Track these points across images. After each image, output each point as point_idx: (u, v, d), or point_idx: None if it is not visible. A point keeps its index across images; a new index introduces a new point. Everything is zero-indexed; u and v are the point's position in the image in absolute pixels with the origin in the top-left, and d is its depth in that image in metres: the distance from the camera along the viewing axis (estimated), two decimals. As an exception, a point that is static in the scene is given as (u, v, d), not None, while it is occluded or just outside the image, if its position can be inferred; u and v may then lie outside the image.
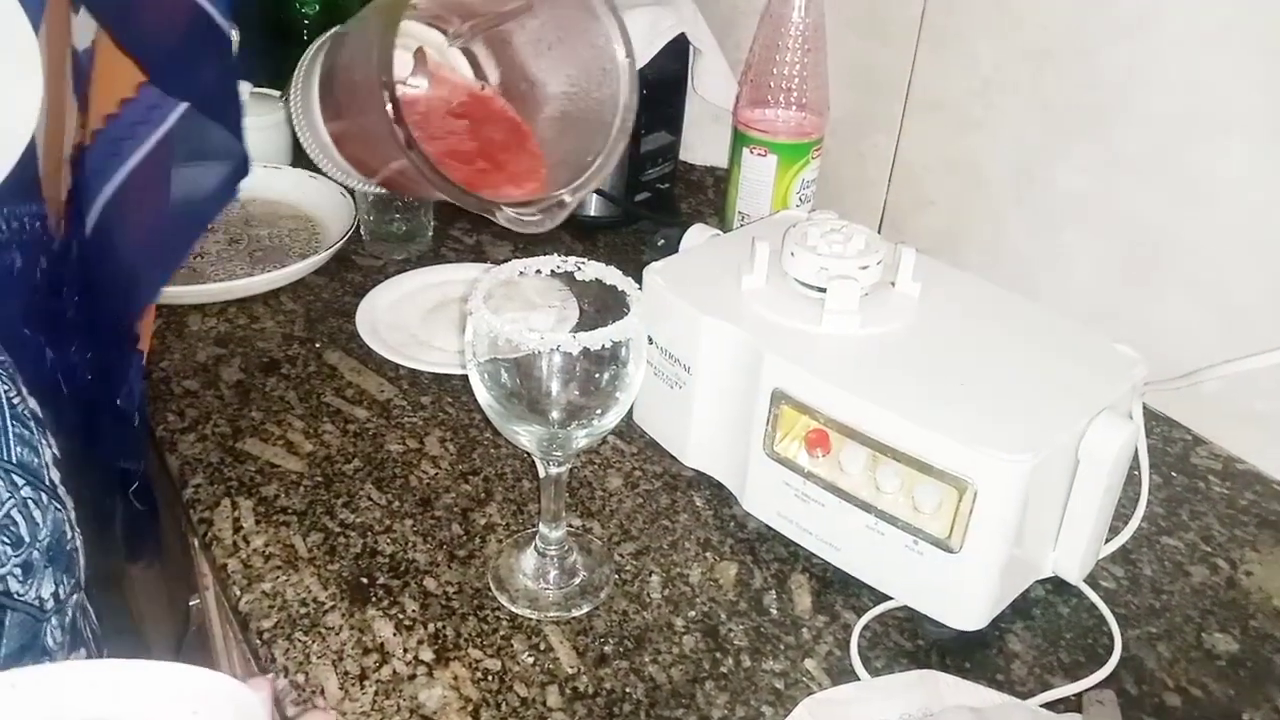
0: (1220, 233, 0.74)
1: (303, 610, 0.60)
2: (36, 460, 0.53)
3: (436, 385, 0.79)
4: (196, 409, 0.75)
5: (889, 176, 0.96)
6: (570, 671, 0.57)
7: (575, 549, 0.64)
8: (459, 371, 0.79)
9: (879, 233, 0.92)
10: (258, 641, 0.58)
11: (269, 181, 1.01)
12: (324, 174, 0.84)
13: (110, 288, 0.70)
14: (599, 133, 0.73)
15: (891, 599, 0.62)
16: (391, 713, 0.54)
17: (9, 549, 0.50)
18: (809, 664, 0.58)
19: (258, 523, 0.66)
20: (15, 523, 0.51)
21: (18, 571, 0.51)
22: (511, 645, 0.58)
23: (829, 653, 0.59)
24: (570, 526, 0.66)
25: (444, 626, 0.59)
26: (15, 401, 0.53)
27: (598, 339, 0.50)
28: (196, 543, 0.70)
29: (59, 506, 0.55)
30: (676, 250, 0.75)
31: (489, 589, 0.62)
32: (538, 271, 0.56)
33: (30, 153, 0.61)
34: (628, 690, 0.56)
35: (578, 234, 1.01)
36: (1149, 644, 0.61)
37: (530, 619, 0.60)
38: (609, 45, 0.73)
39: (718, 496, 0.69)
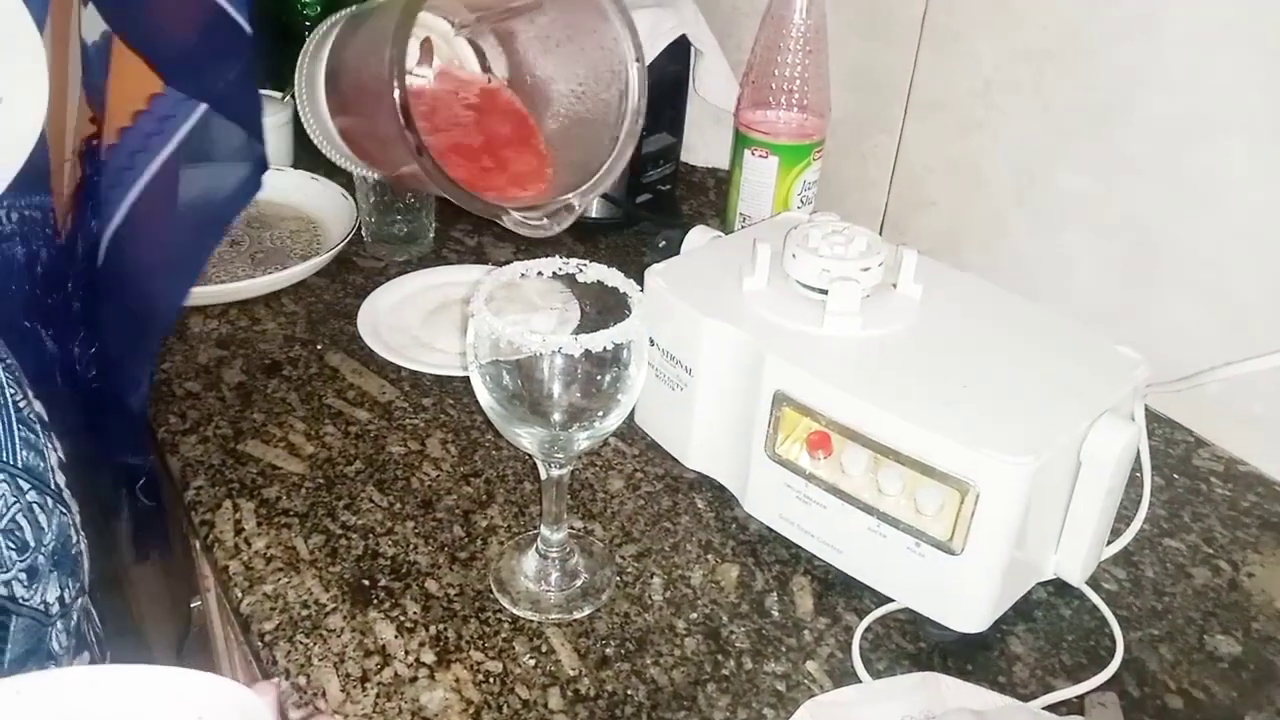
0: (1222, 234, 0.74)
1: (304, 612, 0.60)
2: (42, 464, 0.53)
3: (438, 387, 0.79)
4: (198, 411, 0.75)
5: (890, 177, 0.96)
6: (572, 673, 0.57)
7: (577, 551, 0.64)
8: (460, 373, 0.79)
9: (880, 233, 0.92)
10: (259, 643, 0.58)
11: (270, 183, 0.99)
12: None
13: (136, 295, 0.70)
14: (606, 136, 0.73)
15: (893, 601, 0.62)
16: (393, 715, 0.54)
17: (14, 554, 0.50)
18: (811, 666, 0.58)
19: (259, 525, 0.66)
20: (20, 527, 0.51)
21: (23, 576, 0.51)
22: (513, 647, 0.58)
23: (831, 655, 0.59)
24: (572, 528, 0.66)
25: (445, 629, 0.59)
26: (21, 404, 0.53)
27: (599, 341, 0.50)
28: (198, 545, 0.70)
29: (64, 510, 0.55)
30: (678, 252, 0.75)
31: (490, 591, 0.62)
32: (539, 273, 0.56)
33: (41, 143, 0.61)
34: (629, 692, 0.56)
35: (579, 236, 1.00)
36: (1151, 646, 0.61)
37: (532, 621, 0.60)
38: (619, 47, 0.72)
39: (719, 498, 0.69)
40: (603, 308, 0.56)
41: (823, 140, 0.90)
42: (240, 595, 0.61)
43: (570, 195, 0.71)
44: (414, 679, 0.56)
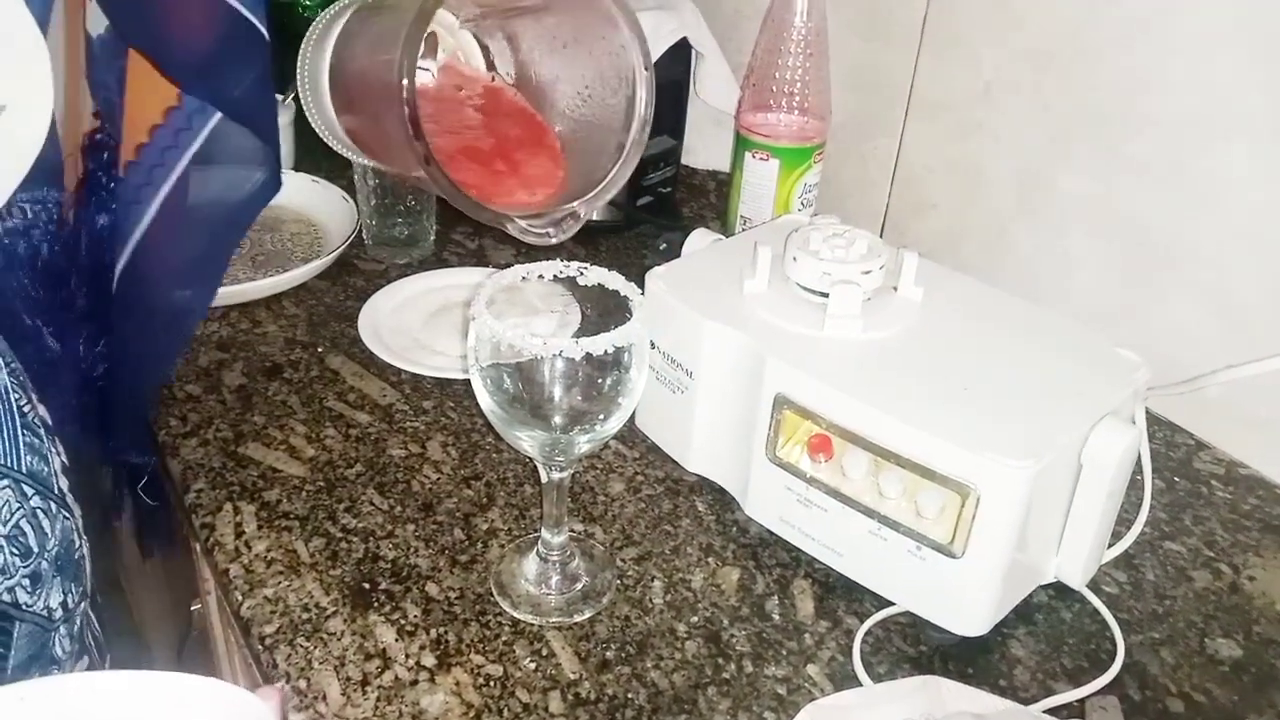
0: (1223, 236, 0.74)
1: (304, 615, 0.60)
2: (46, 469, 0.53)
3: (438, 390, 0.79)
4: (199, 414, 0.75)
5: (891, 180, 0.96)
6: (572, 677, 0.57)
7: (577, 554, 0.64)
8: (461, 376, 0.79)
9: (881, 236, 0.92)
10: (259, 647, 0.58)
11: (271, 185, 1.01)
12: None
13: (161, 303, 0.71)
14: (611, 142, 0.72)
15: (894, 604, 0.62)
16: (394, 718, 0.54)
17: (17, 559, 0.50)
18: (811, 669, 0.58)
19: (259, 528, 0.66)
20: (24, 533, 0.51)
21: (26, 582, 0.50)
22: (513, 651, 0.58)
23: (831, 658, 0.59)
24: (572, 532, 0.66)
25: (446, 632, 0.59)
26: (26, 409, 0.53)
27: (600, 344, 0.50)
28: (198, 547, 0.70)
29: (67, 515, 0.55)
30: (678, 255, 0.75)
31: (491, 594, 0.62)
32: (540, 276, 0.56)
33: (53, 139, 0.61)
34: (630, 696, 0.56)
35: (580, 239, 1.00)
36: (1152, 649, 0.61)
37: (532, 624, 0.60)
38: (626, 55, 0.71)
39: (720, 501, 0.69)
40: (603, 311, 0.56)
41: (823, 143, 0.90)
42: (241, 598, 0.61)
43: (575, 203, 0.70)
44: (414, 682, 0.56)
